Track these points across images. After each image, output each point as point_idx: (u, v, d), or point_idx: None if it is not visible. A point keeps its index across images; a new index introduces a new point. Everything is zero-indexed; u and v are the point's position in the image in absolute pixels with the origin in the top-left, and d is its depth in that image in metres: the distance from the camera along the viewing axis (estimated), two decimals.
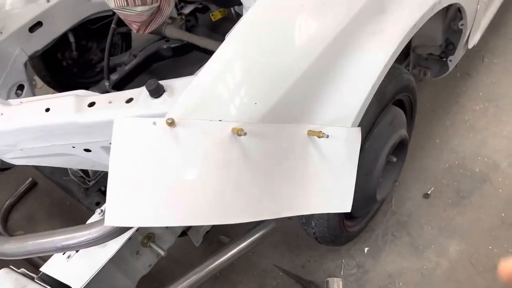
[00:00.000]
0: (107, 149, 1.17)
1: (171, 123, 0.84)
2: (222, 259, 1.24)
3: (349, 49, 1.04)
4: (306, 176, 1.04)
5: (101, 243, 0.94)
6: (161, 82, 1.03)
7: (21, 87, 2.15)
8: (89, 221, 1.22)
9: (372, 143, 1.46)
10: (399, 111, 1.61)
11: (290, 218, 1.80)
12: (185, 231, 1.57)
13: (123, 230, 0.95)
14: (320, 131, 0.99)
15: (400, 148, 1.67)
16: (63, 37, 2.16)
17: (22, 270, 1.22)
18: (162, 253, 1.27)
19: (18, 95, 2.16)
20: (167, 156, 0.87)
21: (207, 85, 0.92)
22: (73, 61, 2.51)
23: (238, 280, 1.89)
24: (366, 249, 1.87)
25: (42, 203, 2.45)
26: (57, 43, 2.12)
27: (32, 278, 1.19)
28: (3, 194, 2.44)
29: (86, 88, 1.97)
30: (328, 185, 1.07)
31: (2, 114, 1.11)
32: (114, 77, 2.22)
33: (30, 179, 2.44)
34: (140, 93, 1.04)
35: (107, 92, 1.95)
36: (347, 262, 1.85)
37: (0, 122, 1.11)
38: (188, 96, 0.91)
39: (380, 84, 1.11)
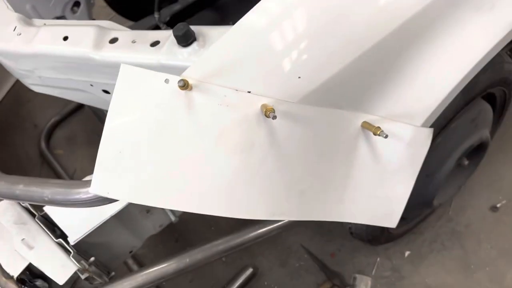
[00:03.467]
0: None
1: (183, 86, 0.65)
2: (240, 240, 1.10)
3: (441, 25, 0.77)
4: (348, 178, 0.83)
5: (91, 206, 0.80)
6: (193, 28, 0.83)
7: (77, 4, 2.05)
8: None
9: (444, 140, 1.19)
10: (486, 108, 1.31)
11: None
12: None
13: None
14: (378, 127, 0.76)
15: (477, 151, 1.38)
16: None
17: (26, 204, 1.14)
18: (172, 218, 1.14)
19: (74, 12, 2.07)
20: (175, 124, 0.69)
21: (240, 44, 0.70)
22: None
23: (259, 252, 1.76)
24: (407, 253, 1.64)
25: (85, 127, 2.43)
26: None
27: (33, 216, 1.11)
28: (50, 112, 2.43)
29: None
30: (375, 192, 0.85)
31: (20, 34, 0.98)
32: (174, 8, 2.04)
33: None
34: (168, 37, 0.85)
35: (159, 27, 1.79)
36: (382, 262, 1.65)
37: (16, 43, 0.98)
38: (213, 53, 0.70)
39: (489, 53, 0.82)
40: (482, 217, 1.66)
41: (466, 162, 1.42)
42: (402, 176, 0.85)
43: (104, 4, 2.37)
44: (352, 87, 0.75)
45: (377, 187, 0.85)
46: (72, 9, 2.04)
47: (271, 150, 0.73)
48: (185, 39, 0.81)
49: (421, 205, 1.38)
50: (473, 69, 0.80)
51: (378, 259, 1.66)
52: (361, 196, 0.85)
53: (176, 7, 2.04)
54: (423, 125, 0.82)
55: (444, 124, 1.14)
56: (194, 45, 0.82)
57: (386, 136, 0.74)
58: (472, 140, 1.27)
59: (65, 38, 0.93)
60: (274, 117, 0.65)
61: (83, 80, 1.00)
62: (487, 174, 1.72)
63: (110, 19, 3.04)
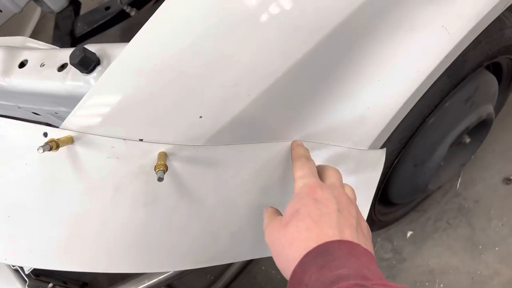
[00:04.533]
0: (57, 116, 0.92)
1: (52, 149, 0.54)
2: None
3: (382, 26, 0.60)
4: None
5: None
6: (95, 48, 0.71)
7: None
8: None
9: (431, 127, 1.04)
10: (488, 80, 1.12)
11: None
12: None
13: None
14: None
15: (479, 127, 1.21)
16: None
17: None
18: None
19: None
20: (63, 182, 0.60)
21: (123, 83, 0.58)
22: None
23: None
24: (409, 233, 1.53)
25: None
26: None
27: None
28: None
29: None
30: None
31: None
32: None
33: None
34: None
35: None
36: (382, 243, 1.55)
37: None
38: (93, 98, 0.59)
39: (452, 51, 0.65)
40: (493, 191, 1.50)
41: (467, 140, 1.25)
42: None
43: None
44: (272, 117, 0.62)
45: None
46: None
47: (181, 200, 0.63)
48: (85, 67, 0.69)
49: (413, 192, 1.25)
50: (433, 73, 0.64)
51: (378, 239, 1.56)
52: None
53: None
54: (372, 147, 0.68)
55: (428, 112, 0.98)
56: (99, 69, 0.71)
57: None
58: (468, 121, 1.10)
59: None
60: (161, 179, 0.54)
61: (9, 104, 0.92)
62: (501, 142, 1.54)
63: None
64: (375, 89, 0.63)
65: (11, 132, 0.61)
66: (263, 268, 1.66)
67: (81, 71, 0.71)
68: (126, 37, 2.72)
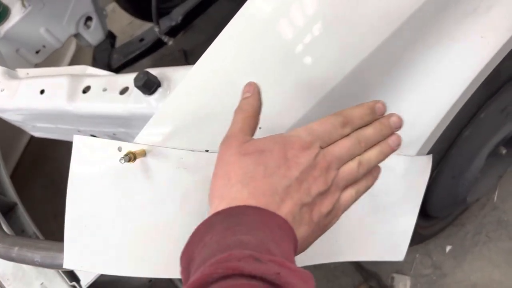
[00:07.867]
0: (114, 137, 0.99)
1: (129, 161, 0.60)
2: None
3: (423, 39, 0.65)
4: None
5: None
6: (156, 72, 0.78)
7: (90, 18, 2.06)
8: None
9: (467, 138, 1.06)
10: None
11: None
12: None
13: None
14: None
15: None
16: None
17: None
18: None
19: (88, 27, 2.08)
20: (135, 192, 0.66)
21: (190, 101, 0.64)
22: None
23: None
24: (448, 248, 1.53)
25: None
26: None
27: None
28: None
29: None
30: (373, 228, 0.77)
31: (2, 90, 0.98)
32: (187, 5, 1.95)
33: None
34: None
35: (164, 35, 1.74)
36: (421, 259, 1.55)
37: (1, 99, 0.98)
38: (162, 114, 0.65)
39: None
40: None
41: (504, 151, 1.27)
42: (402, 209, 0.76)
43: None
44: None
45: (375, 223, 0.76)
46: (85, 24, 2.05)
47: None
48: (148, 88, 0.76)
49: (451, 205, 1.26)
50: (474, 81, 0.68)
51: (417, 255, 1.56)
52: (357, 234, 0.77)
53: (189, 4, 1.96)
54: (419, 153, 0.71)
55: (465, 123, 1.01)
56: (160, 90, 0.77)
57: None
58: (505, 132, 1.12)
59: (42, 92, 0.92)
60: None
61: (69, 128, 0.99)
62: None
63: (130, 23, 3.02)
64: (421, 96, 0.67)
65: (87, 148, 0.67)
66: None
67: (144, 92, 0.77)
68: (157, 66, 2.85)
